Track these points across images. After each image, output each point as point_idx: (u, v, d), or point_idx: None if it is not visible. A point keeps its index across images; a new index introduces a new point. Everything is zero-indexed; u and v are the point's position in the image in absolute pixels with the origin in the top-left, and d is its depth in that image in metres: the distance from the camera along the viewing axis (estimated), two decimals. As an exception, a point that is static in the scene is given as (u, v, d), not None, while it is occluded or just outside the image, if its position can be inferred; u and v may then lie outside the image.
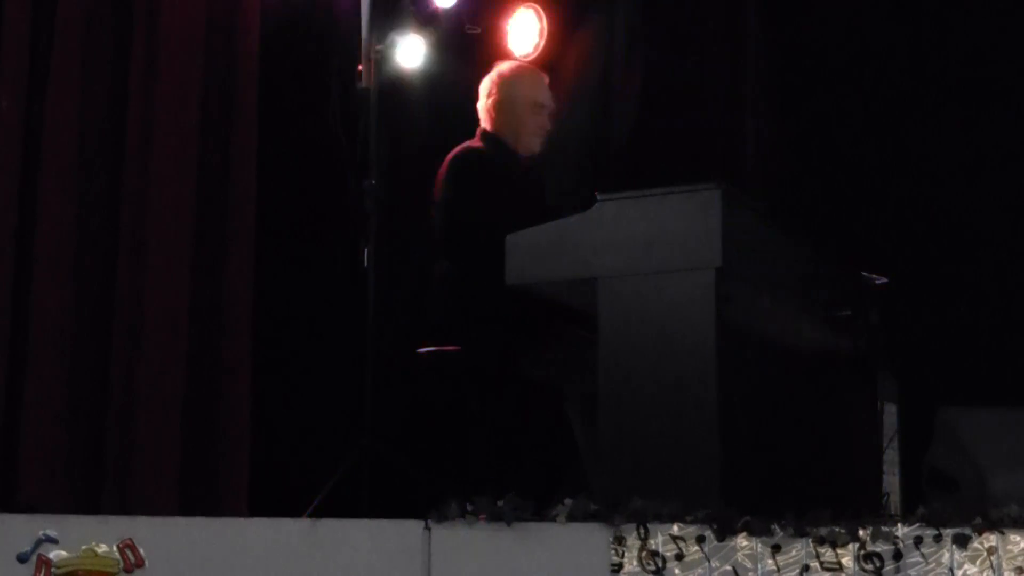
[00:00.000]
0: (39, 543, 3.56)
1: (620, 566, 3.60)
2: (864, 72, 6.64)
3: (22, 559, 3.55)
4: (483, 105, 5.58)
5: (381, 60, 5.67)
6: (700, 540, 3.57)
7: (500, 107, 5.52)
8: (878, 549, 3.50)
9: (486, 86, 5.60)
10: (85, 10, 4.74)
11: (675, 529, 3.59)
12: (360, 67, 5.65)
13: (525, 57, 6.66)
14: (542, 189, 5.72)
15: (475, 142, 5.52)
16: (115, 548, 3.58)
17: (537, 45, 6.80)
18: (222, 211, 5.05)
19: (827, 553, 3.52)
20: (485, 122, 5.56)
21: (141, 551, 3.60)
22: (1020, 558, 3.45)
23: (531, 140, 5.53)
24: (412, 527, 3.70)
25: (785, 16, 6.93)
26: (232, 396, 4.96)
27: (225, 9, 5.12)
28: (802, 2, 6.85)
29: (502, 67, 5.71)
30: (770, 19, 6.97)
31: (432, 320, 5.37)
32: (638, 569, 3.59)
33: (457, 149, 5.46)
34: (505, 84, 5.56)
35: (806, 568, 3.53)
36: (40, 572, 3.54)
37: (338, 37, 5.94)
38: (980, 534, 3.48)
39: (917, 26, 6.55)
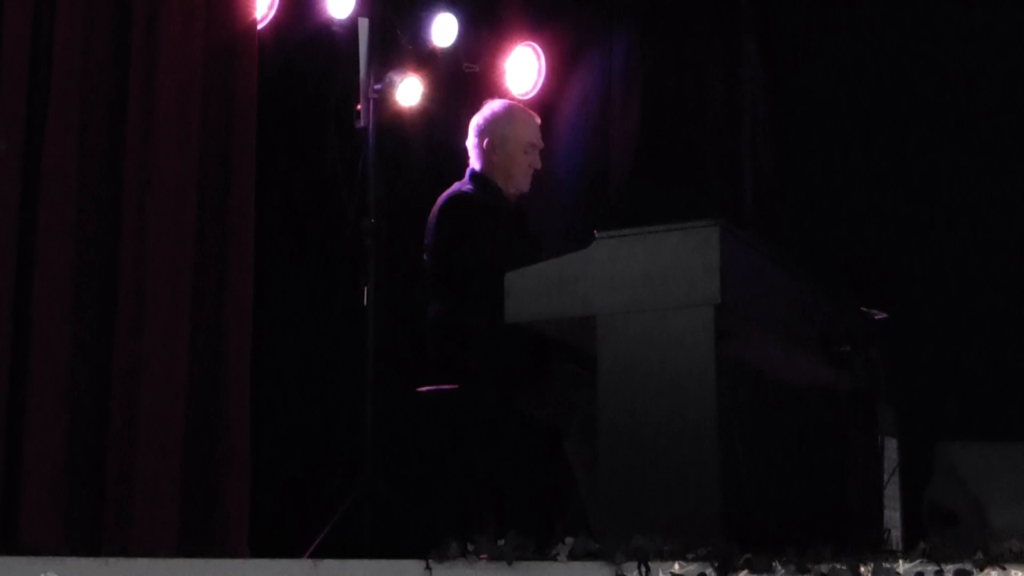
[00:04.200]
0: (40, 585, 3.55)
1: (621, 604, 3.59)
2: (863, 106, 6.66)
3: (23, 601, 3.55)
4: (474, 144, 5.54)
5: (379, 100, 5.69)
6: (701, 577, 3.56)
7: (493, 147, 5.49)
8: (879, 585, 3.49)
9: (478, 124, 5.56)
10: (82, 52, 4.76)
11: (676, 567, 3.58)
12: (359, 107, 5.68)
13: (523, 96, 6.69)
14: (527, 226, 5.71)
15: (464, 184, 5.49)
16: (116, 590, 3.57)
17: (535, 84, 6.83)
18: (221, 249, 5.06)
19: (828, 590, 3.51)
20: (475, 160, 5.52)
21: (142, 592, 3.59)
22: (1022, 593, 3.45)
23: (522, 180, 5.51)
24: (413, 567, 3.69)
25: (784, 53, 6.96)
26: (232, 436, 4.96)
27: (223, 51, 5.14)
28: (801, 38, 6.89)
29: (494, 105, 5.66)
30: (768, 56, 7.00)
31: (431, 359, 5.37)
32: (640, 607, 3.58)
33: (446, 193, 5.44)
34: (499, 123, 5.54)
35: (808, 605, 3.52)
36: (41, 614, 3.53)
37: (336, 77, 5.97)
38: (981, 569, 3.47)
39: (917, 62, 6.58)
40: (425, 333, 5.35)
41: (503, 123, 5.53)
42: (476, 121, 5.56)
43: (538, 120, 5.64)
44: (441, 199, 5.40)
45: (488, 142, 5.49)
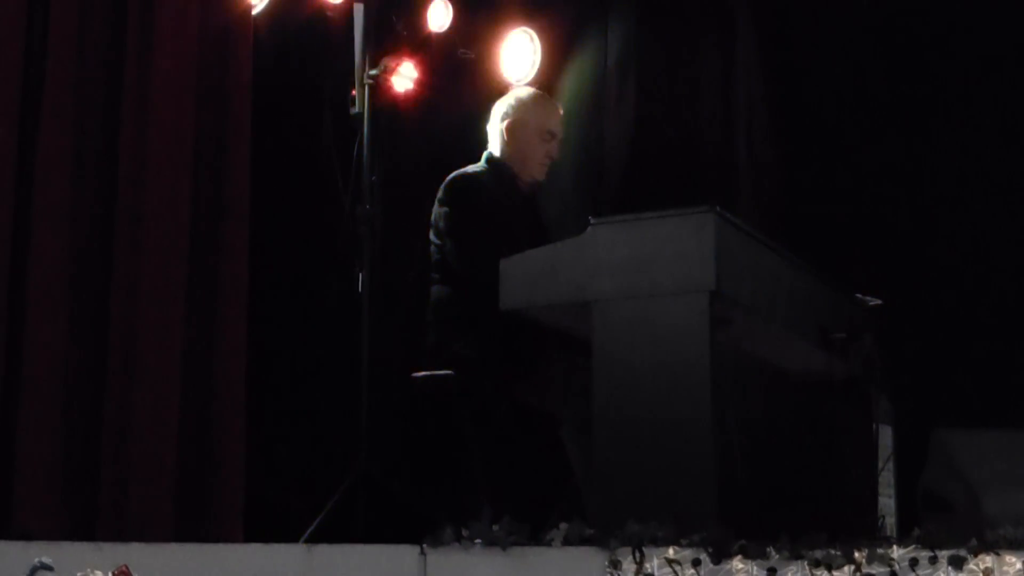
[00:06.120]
0: (34, 570, 3.55)
1: (616, 590, 3.60)
2: (858, 93, 6.65)
3: (17, 587, 3.55)
4: (494, 127, 5.59)
5: (374, 85, 5.68)
6: (696, 563, 3.57)
7: (512, 130, 5.53)
8: (874, 571, 3.50)
9: (501, 108, 5.61)
10: (77, 39, 4.75)
11: (671, 552, 3.59)
12: (353, 92, 5.66)
13: (519, 82, 6.67)
14: (540, 216, 5.73)
15: (477, 166, 5.52)
16: (110, 575, 3.57)
17: (531, 70, 6.82)
18: (216, 237, 5.05)
19: (823, 576, 3.52)
20: (494, 144, 5.57)
21: (136, 578, 3.59)
22: (1015, 579, 3.46)
23: (537, 167, 5.55)
24: (408, 552, 3.70)
25: (779, 39, 6.95)
26: (227, 422, 4.95)
27: (218, 37, 5.13)
28: (796, 25, 6.87)
29: (519, 92, 5.74)
30: (764, 41, 6.99)
31: (429, 343, 5.37)
32: (634, 593, 3.59)
33: (456, 172, 5.46)
34: (519, 108, 5.58)
35: (802, 591, 3.54)
36: (35, 600, 3.53)
37: (331, 63, 5.96)
38: (976, 555, 3.48)
39: (913, 48, 6.57)
40: (426, 314, 5.36)
41: (523, 108, 5.58)
42: (499, 105, 5.62)
43: (561, 110, 5.67)
44: (448, 178, 5.42)
45: (507, 125, 5.53)
